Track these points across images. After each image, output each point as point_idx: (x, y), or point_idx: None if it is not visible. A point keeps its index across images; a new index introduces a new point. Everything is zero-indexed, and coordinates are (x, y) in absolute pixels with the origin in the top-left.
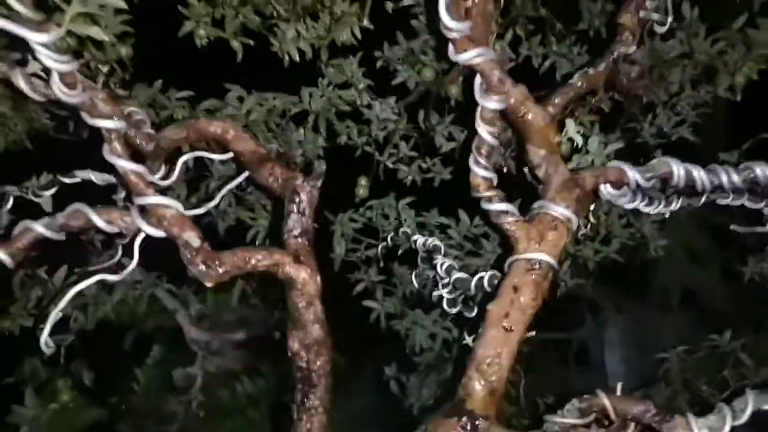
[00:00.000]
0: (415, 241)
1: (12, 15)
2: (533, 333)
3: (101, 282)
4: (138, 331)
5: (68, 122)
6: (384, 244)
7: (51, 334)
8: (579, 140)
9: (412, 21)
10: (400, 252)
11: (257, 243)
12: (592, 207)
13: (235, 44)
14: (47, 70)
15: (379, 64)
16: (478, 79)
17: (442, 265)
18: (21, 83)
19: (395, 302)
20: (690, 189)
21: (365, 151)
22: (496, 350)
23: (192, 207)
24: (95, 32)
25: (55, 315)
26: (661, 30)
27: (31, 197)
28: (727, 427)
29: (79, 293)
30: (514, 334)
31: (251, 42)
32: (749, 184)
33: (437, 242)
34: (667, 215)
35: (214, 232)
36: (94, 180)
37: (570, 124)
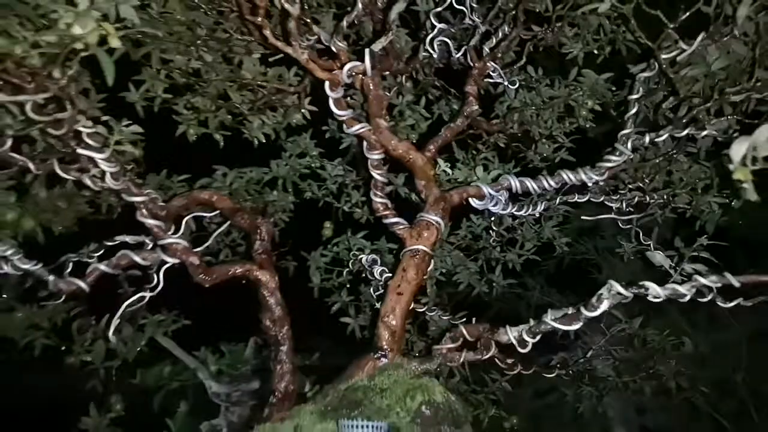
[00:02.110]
0: (361, 260)
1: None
2: None
3: (135, 323)
4: (166, 391)
5: (101, 209)
6: (348, 269)
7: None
8: (449, 171)
9: (348, 99)
10: (364, 275)
11: None
12: None
13: (217, 136)
14: (102, 173)
15: (327, 135)
16: (365, 143)
17: (378, 271)
18: (87, 181)
19: (366, 317)
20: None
21: (326, 202)
22: (392, 308)
23: None
24: (128, 148)
25: (117, 317)
26: (513, 87)
27: (86, 260)
28: (525, 336)
29: (121, 331)
30: (404, 296)
31: (229, 133)
32: (561, 185)
33: (374, 256)
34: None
35: None
36: (128, 240)
37: (441, 162)
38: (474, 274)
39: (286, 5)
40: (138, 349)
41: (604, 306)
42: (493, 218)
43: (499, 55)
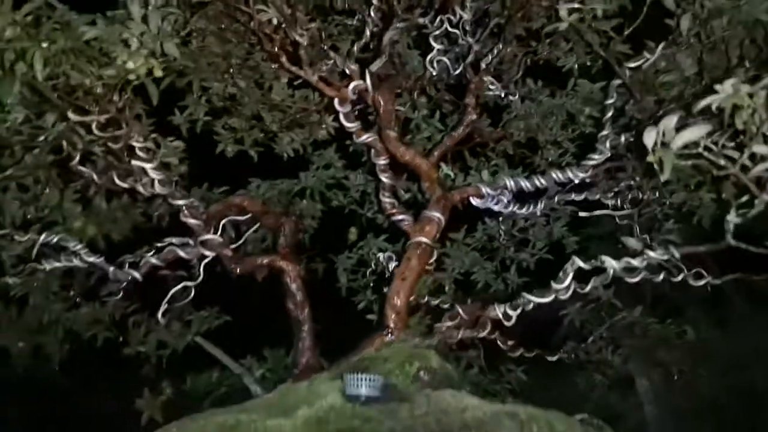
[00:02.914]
0: (379, 257)
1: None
2: None
3: (181, 322)
4: (214, 396)
5: (153, 220)
6: (371, 269)
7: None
8: (452, 174)
9: (368, 117)
10: (387, 276)
11: None
12: None
13: (252, 152)
14: (151, 181)
15: (351, 148)
16: (372, 151)
17: (393, 266)
18: (140, 188)
19: None
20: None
21: (351, 209)
22: (397, 291)
23: None
24: (173, 161)
25: (165, 302)
26: (513, 98)
27: (140, 260)
28: (509, 311)
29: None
30: (407, 281)
31: (262, 149)
32: (552, 183)
33: (390, 254)
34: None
35: None
36: (175, 242)
37: (444, 166)
38: (490, 274)
39: (297, 37)
40: (186, 342)
41: (569, 280)
42: (501, 219)
43: (492, 69)
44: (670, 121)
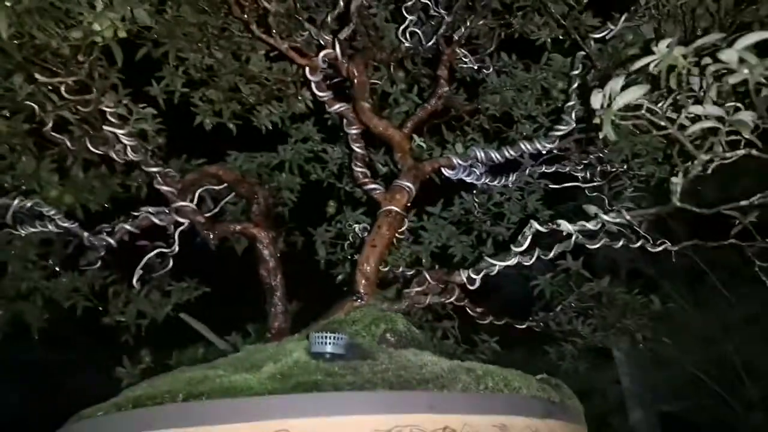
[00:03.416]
0: (355, 228)
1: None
2: None
3: (161, 291)
4: None
5: (130, 190)
6: (349, 242)
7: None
8: (423, 145)
9: (346, 91)
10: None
11: None
12: None
13: (230, 125)
14: (124, 147)
15: (329, 122)
16: (345, 121)
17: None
18: (113, 154)
19: None
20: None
21: (329, 183)
22: (367, 257)
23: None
24: (149, 126)
25: (139, 267)
26: (488, 71)
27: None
28: (472, 275)
29: (149, 298)
30: (377, 248)
31: (240, 122)
32: (522, 155)
33: (366, 225)
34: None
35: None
36: (151, 211)
37: (416, 138)
38: (467, 247)
39: (266, 3)
40: (165, 312)
41: (527, 242)
42: (477, 193)
43: (464, 41)
44: (616, 83)
